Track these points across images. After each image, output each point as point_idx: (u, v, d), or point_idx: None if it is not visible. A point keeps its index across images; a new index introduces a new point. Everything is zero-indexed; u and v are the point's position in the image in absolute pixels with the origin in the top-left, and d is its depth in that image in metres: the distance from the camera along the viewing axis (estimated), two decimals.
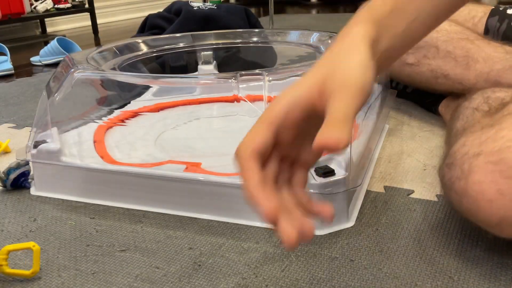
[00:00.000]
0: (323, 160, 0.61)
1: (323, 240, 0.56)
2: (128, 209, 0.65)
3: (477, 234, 0.56)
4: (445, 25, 0.87)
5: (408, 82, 0.94)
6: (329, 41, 0.91)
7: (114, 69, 0.84)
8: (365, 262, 0.52)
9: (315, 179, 0.57)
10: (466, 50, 0.83)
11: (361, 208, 0.63)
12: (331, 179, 0.57)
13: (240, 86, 0.63)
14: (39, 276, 0.52)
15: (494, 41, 0.84)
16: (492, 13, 0.95)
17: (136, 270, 0.53)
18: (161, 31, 1.36)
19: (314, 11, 3.18)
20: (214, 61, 1.07)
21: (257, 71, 0.64)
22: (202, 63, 1.06)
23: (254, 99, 0.62)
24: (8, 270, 0.51)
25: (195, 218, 0.62)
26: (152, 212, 0.64)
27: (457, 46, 0.84)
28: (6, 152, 0.89)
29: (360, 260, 0.52)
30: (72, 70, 0.73)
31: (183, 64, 1.09)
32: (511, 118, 0.50)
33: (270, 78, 0.63)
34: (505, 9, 0.95)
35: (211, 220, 0.62)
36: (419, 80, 0.90)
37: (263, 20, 2.12)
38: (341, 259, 0.53)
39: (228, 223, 0.61)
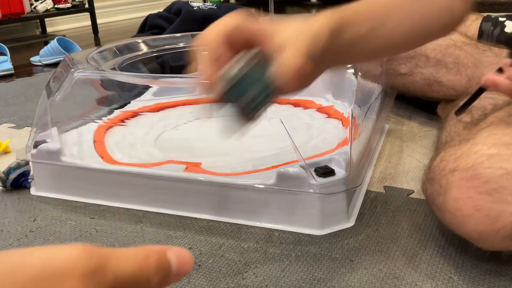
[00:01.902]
0: (323, 160, 0.61)
1: (323, 240, 0.56)
2: (128, 209, 0.65)
3: None
4: None
5: (403, 92, 0.96)
6: None
7: (114, 69, 0.84)
8: (365, 262, 0.52)
9: (315, 179, 0.57)
10: (455, 56, 0.85)
11: (361, 208, 0.63)
12: (331, 179, 0.57)
13: None
14: None
15: (482, 45, 0.85)
16: (485, 19, 0.98)
17: None
18: (161, 31, 1.36)
19: (314, 11, 3.18)
20: None
21: None
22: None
23: None
24: None
25: (195, 218, 0.62)
26: (152, 212, 0.64)
27: (446, 53, 0.86)
28: (6, 152, 0.89)
29: (360, 260, 0.52)
30: (72, 70, 0.73)
31: (183, 64, 1.09)
32: (485, 132, 0.51)
33: None
34: (497, 17, 0.98)
35: (211, 220, 0.62)
36: (413, 89, 0.92)
37: None
38: (341, 259, 0.53)
39: (228, 223, 0.61)
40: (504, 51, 0.84)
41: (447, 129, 0.72)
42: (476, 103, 0.67)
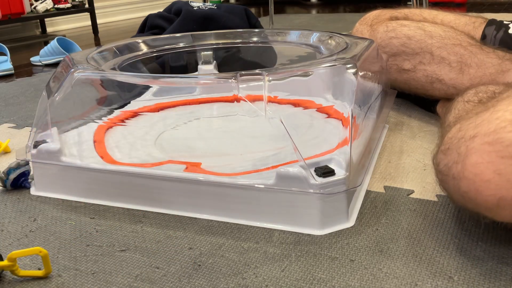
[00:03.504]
0: (323, 160, 0.61)
1: (323, 240, 0.56)
2: (128, 209, 0.66)
3: (477, 234, 0.56)
4: (439, 31, 0.89)
5: (405, 89, 0.96)
6: (329, 41, 0.91)
7: (114, 69, 0.84)
8: (365, 262, 0.52)
9: (315, 179, 0.57)
10: (460, 55, 0.86)
11: (361, 208, 0.63)
12: (331, 179, 0.57)
13: (240, 86, 0.63)
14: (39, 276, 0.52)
15: (486, 47, 0.86)
16: (489, 23, 0.99)
17: (136, 270, 0.53)
18: (161, 31, 1.36)
19: (314, 11, 3.18)
20: (214, 61, 1.07)
21: (257, 71, 0.64)
22: (202, 63, 1.06)
23: (254, 99, 0.62)
24: (22, 272, 0.52)
25: (195, 218, 0.63)
26: (152, 212, 0.64)
27: (451, 52, 0.86)
28: (6, 152, 0.89)
29: (360, 260, 0.52)
30: (72, 70, 0.73)
31: (183, 64, 1.09)
32: (506, 101, 0.51)
33: (270, 78, 0.63)
34: (501, 21, 0.99)
35: (211, 220, 0.62)
36: (415, 86, 0.92)
37: (263, 20, 2.12)
38: (341, 259, 0.53)
39: (228, 223, 0.61)
40: (507, 54, 0.84)
41: (454, 111, 0.71)
42: (483, 88, 0.67)
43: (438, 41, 0.87)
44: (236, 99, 0.62)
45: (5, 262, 0.51)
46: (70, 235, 0.60)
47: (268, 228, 0.59)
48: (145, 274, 0.52)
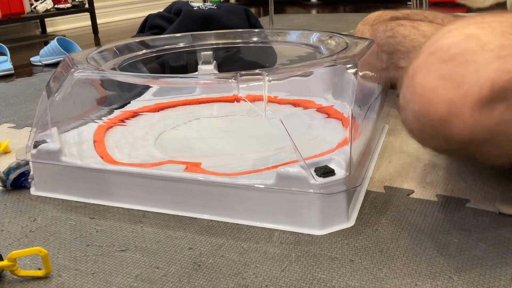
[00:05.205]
0: (323, 160, 0.61)
1: (323, 240, 0.56)
2: (128, 209, 0.66)
3: (477, 234, 0.56)
4: (432, 31, 0.90)
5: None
6: (329, 41, 0.91)
7: (114, 69, 0.84)
8: (365, 262, 0.52)
9: (315, 179, 0.57)
10: None
11: (361, 208, 0.63)
12: (331, 179, 0.57)
13: (240, 86, 0.63)
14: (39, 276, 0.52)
15: None
16: None
17: (136, 270, 0.53)
18: (161, 31, 1.36)
19: (314, 11, 3.18)
20: (214, 61, 1.07)
21: (257, 71, 0.64)
22: (202, 63, 1.06)
23: (254, 99, 0.62)
24: (22, 272, 0.52)
25: (195, 218, 0.63)
26: (152, 212, 0.64)
27: None
28: (6, 152, 0.89)
29: (360, 260, 0.52)
30: (72, 70, 0.73)
31: (183, 64, 1.09)
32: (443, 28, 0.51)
33: (270, 78, 0.63)
34: None
35: (211, 220, 0.62)
36: None
37: (263, 20, 2.12)
38: (341, 259, 0.53)
39: (228, 223, 0.61)
40: None
41: None
42: None
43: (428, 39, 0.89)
44: (236, 99, 0.62)
45: (5, 262, 0.51)
46: (70, 235, 0.60)
47: (268, 228, 0.59)
48: (145, 274, 0.52)
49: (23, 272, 0.52)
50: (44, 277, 0.52)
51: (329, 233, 0.58)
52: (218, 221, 0.61)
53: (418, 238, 0.56)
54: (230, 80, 0.64)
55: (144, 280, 0.51)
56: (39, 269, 0.53)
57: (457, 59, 0.45)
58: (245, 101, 0.62)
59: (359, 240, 0.56)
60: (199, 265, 0.53)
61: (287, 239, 0.57)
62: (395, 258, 0.52)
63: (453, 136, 0.47)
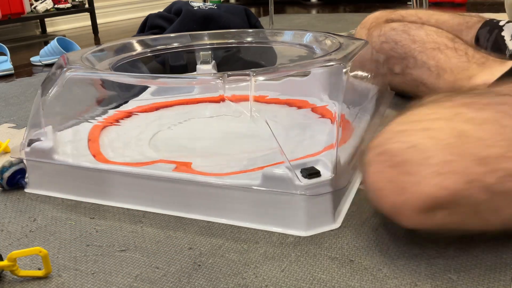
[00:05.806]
0: (310, 161, 0.60)
1: (323, 240, 0.56)
2: (128, 209, 0.65)
3: (477, 234, 0.56)
4: (422, 35, 0.91)
5: (398, 90, 1.00)
6: (327, 41, 0.91)
7: (108, 68, 0.84)
8: (365, 262, 0.52)
9: (300, 181, 0.57)
10: (437, 60, 0.88)
11: (361, 208, 0.63)
12: (316, 181, 0.57)
13: (227, 86, 0.63)
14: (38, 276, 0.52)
15: (461, 49, 0.87)
16: (484, 24, 0.99)
17: (136, 270, 0.53)
18: (161, 31, 1.36)
19: (314, 11, 3.18)
20: (213, 61, 1.06)
21: (245, 71, 0.64)
22: (200, 63, 1.06)
23: (241, 99, 0.62)
24: (22, 272, 0.52)
25: (195, 218, 0.62)
26: (152, 212, 0.64)
27: (430, 56, 0.89)
28: (6, 152, 0.89)
29: (360, 260, 0.52)
30: (65, 69, 0.73)
31: (183, 64, 1.09)
32: (408, 112, 0.54)
33: (258, 79, 0.63)
34: (498, 21, 0.99)
35: (211, 221, 0.62)
36: (406, 89, 0.96)
37: (263, 20, 2.12)
38: (341, 259, 0.53)
39: (228, 224, 0.61)
40: (476, 56, 0.84)
41: None
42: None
43: (420, 45, 0.90)
44: (222, 99, 0.62)
45: (5, 262, 0.51)
46: (70, 235, 0.60)
47: (268, 229, 0.59)
48: (145, 274, 0.52)
49: (23, 272, 0.52)
50: (44, 277, 0.52)
51: (329, 233, 0.57)
52: (218, 222, 0.61)
53: (418, 238, 0.56)
54: (217, 81, 0.64)
55: (144, 280, 0.51)
56: (39, 269, 0.53)
57: (402, 168, 0.48)
58: (230, 101, 0.62)
59: (359, 240, 0.56)
60: (199, 265, 0.53)
61: (287, 239, 0.57)
62: (395, 258, 0.52)
63: (400, 222, 0.51)
